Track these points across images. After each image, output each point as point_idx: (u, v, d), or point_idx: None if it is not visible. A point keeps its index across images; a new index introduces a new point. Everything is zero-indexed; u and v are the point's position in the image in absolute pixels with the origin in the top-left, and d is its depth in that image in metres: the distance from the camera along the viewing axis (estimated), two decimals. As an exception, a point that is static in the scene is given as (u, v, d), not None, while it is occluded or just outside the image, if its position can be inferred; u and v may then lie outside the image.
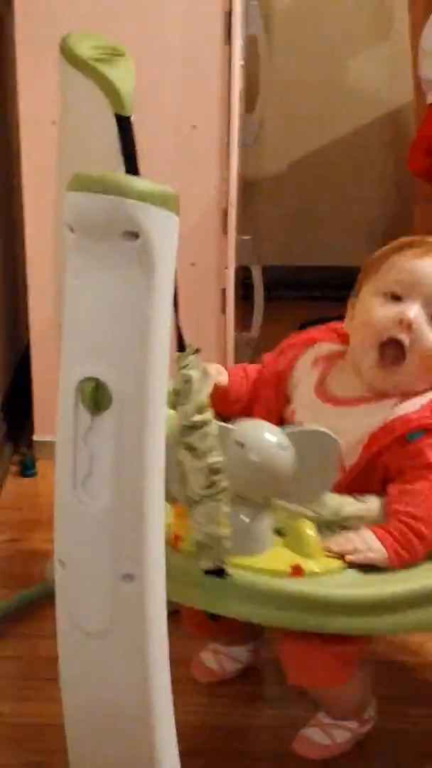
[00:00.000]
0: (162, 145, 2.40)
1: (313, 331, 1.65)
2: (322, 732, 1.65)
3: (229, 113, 2.41)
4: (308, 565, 1.37)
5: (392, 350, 1.48)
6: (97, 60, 1.68)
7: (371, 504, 1.46)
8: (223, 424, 1.36)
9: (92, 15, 2.31)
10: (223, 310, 2.52)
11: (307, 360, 1.60)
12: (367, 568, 1.40)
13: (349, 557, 1.39)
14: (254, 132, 2.79)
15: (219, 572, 1.33)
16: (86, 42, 1.71)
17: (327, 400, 1.54)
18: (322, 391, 1.55)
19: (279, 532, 1.42)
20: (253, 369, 1.63)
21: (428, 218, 2.97)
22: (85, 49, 1.69)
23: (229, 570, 1.33)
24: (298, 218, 3.59)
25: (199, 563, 1.32)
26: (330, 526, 1.44)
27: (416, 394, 1.50)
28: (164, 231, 1.12)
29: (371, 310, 1.51)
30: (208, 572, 1.32)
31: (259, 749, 1.70)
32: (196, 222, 2.44)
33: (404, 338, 1.48)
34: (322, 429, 1.39)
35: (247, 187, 2.87)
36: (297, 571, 1.35)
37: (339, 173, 3.56)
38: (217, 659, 1.80)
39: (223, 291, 2.52)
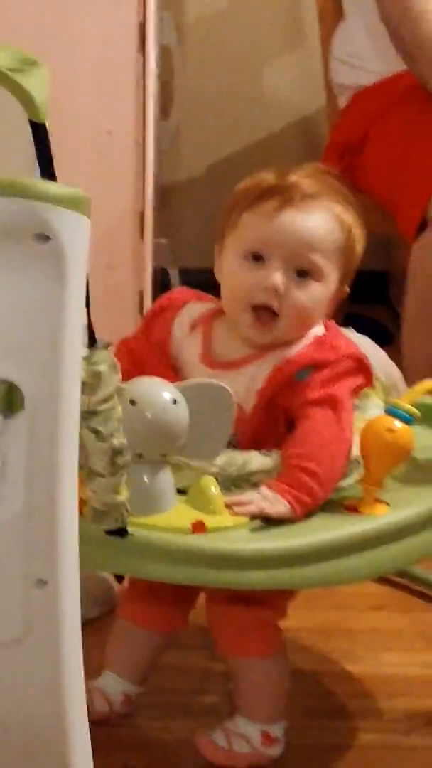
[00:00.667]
0: (79, 150, 2.44)
1: (173, 294, 1.65)
2: (223, 735, 1.61)
3: (144, 119, 2.46)
4: (211, 520, 1.36)
5: (264, 314, 1.50)
6: (12, 70, 1.72)
7: (276, 457, 1.46)
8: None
9: (8, 24, 2.35)
10: (141, 312, 2.55)
11: (183, 326, 1.58)
12: (272, 520, 1.39)
13: (263, 513, 1.38)
14: (170, 137, 2.84)
15: (121, 532, 1.33)
16: (1, 53, 1.75)
17: (216, 367, 1.53)
18: (209, 358, 1.54)
19: (185, 491, 1.41)
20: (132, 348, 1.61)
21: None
22: (0, 60, 1.73)
23: (131, 529, 1.33)
24: (214, 221, 3.64)
25: (101, 525, 1.32)
26: (236, 482, 1.44)
27: (300, 338, 1.52)
28: (75, 233, 1.13)
29: (236, 274, 1.52)
30: (109, 533, 1.32)
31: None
32: (113, 225, 2.48)
33: (273, 303, 1.49)
34: (213, 381, 1.40)
35: (163, 191, 2.92)
36: (199, 526, 1.35)
37: (254, 177, 3.60)
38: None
39: (141, 293, 2.56)
